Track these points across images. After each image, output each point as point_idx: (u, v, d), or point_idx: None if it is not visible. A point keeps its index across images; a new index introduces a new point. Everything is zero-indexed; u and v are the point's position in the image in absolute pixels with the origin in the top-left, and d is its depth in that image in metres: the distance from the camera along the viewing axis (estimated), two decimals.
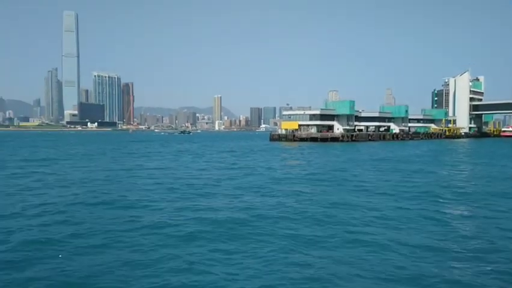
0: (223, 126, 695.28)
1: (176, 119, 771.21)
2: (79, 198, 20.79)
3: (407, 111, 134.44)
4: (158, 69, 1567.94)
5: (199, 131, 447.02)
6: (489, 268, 10.73)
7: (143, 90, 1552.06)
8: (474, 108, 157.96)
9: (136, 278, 9.99)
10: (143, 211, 17.69)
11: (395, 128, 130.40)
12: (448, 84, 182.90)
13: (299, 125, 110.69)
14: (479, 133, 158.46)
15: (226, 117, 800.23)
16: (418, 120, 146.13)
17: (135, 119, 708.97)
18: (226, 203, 19.47)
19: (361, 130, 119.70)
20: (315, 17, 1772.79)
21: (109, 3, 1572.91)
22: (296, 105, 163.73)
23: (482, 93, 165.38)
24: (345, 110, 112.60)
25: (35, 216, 16.63)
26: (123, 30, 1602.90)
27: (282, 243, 12.76)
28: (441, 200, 20.65)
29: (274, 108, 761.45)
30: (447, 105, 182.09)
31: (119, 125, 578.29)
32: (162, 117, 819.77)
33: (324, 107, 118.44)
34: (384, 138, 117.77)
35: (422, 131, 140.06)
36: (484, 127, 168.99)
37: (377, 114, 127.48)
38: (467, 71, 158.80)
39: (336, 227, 14.92)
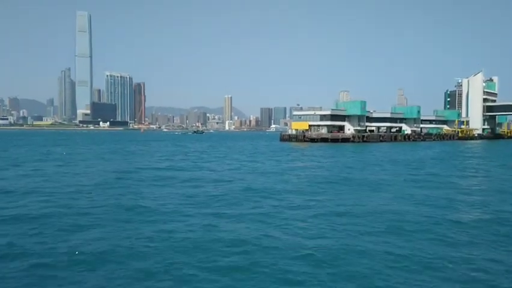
0: (233, 126, 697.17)
1: (187, 119, 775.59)
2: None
3: (419, 112, 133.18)
4: (170, 69, 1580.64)
5: (211, 131, 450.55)
6: None
7: (155, 90, 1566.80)
8: (488, 109, 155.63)
9: None
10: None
11: (406, 129, 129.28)
12: (461, 85, 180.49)
13: (309, 126, 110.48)
14: (492, 134, 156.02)
15: (236, 117, 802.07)
16: (430, 121, 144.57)
17: (146, 119, 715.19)
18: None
19: (372, 131, 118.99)
20: (326, 16, 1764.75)
21: (122, 3, 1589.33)
22: (306, 106, 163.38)
23: (496, 94, 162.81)
24: (356, 111, 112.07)
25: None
26: (136, 30, 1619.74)
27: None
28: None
29: (285, 108, 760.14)
30: (460, 106, 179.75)
31: (130, 125, 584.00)
32: (173, 117, 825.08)
33: (334, 108, 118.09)
34: (395, 139, 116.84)
35: (434, 132, 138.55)
36: (497, 128, 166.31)
37: (388, 115, 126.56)
38: (481, 71, 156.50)
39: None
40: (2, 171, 33.85)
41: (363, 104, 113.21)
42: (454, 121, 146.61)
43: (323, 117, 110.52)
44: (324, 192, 23.78)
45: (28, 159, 46.59)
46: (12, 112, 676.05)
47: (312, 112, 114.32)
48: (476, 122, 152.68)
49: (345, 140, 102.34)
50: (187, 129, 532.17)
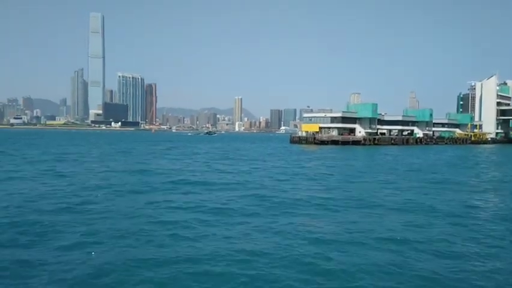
0: (243, 128, 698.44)
1: (197, 120, 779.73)
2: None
3: (431, 115, 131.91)
4: (181, 70, 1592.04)
5: (223, 132, 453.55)
6: None
7: (166, 91, 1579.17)
8: (501, 113, 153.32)
9: None
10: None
11: (418, 132, 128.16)
12: (474, 88, 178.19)
13: (320, 128, 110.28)
14: (506, 139, 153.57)
15: (246, 119, 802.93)
16: (443, 125, 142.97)
17: (157, 119, 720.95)
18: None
19: (383, 134, 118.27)
20: (337, 18, 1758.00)
21: (136, 5, 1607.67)
22: (317, 108, 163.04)
23: (510, 98, 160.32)
24: (367, 113, 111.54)
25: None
26: (148, 31, 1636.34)
27: None
28: None
29: (295, 110, 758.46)
30: (473, 110, 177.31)
31: (141, 125, 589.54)
32: (183, 117, 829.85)
33: (345, 110, 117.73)
34: (407, 142, 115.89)
35: (446, 135, 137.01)
36: (511, 133, 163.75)
37: (400, 118, 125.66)
38: (495, 74, 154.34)
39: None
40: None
41: (375, 106, 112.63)
42: (467, 125, 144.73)
43: (333, 120, 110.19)
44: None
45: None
46: (26, 111, 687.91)
47: (322, 114, 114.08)
48: (489, 126, 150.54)
49: (356, 142, 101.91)
50: (197, 130, 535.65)
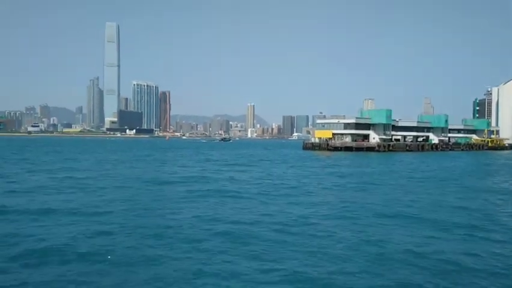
0: (256, 134, 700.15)
1: (210, 127, 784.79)
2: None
3: (446, 121, 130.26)
4: (194, 78, 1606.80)
5: (237, 138, 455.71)
6: None
7: (179, 98, 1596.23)
8: None
9: None
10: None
11: (434, 138, 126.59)
12: (491, 94, 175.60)
13: (333, 134, 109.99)
14: None
15: (258, 125, 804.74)
16: (459, 131, 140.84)
17: (171, 127, 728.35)
18: None
19: (398, 140, 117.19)
20: (349, 23, 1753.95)
21: (149, 14, 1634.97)
22: (330, 114, 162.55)
23: None
24: (381, 119, 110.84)
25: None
26: (161, 40, 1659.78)
27: None
28: None
29: (307, 116, 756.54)
30: (489, 115, 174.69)
31: (155, 132, 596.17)
32: (197, 124, 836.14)
33: (359, 116, 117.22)
34: (422, 148, 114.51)
35: (462, 141, 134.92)
36: None
37: (415, 124, 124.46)
38: None
39: None
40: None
41: (389, 112, 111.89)
42: (483, 130, 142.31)
43: (347, 126, 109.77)
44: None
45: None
46: (43, 119, 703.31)
47: (335, 120, 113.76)
48: (506, 132, 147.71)
49: (370, 149, 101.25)
50: (210, 136, 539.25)
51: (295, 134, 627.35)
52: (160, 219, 18.06)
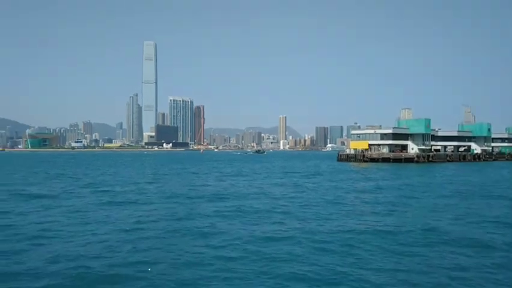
0: (288, 146, 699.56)
1: (242, 139, 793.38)
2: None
3: (489, 129, 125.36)
4: (227, 91, 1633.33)
5: (271, 150, 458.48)
6: None
7: (213, 111, 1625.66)
8: None
9: None
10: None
11: (476, 148, 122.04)
12: None
13: (369, 145, 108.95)
14: None
15: (290, 137, 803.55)
16: (503, 140, 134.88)
17: (205, 140, 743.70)
18: None
19: (438, 150, 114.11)
20: (384, 32, 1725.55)
21: (184, 32, 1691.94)
22: (365, 124, 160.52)
23: None
24: (420, 129, 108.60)
25: None
26: (196, 56, 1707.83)
27: None
28: None
29: (341, 127, 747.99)
30: None
31: (190, 145, 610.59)
32: (229, 137, 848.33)
33: (396, 126, 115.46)
34: (464, 159, 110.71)
35: (507, 151, 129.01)
36: None
37: (455, 133, 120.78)
38: None
39: None
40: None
41: (428, 121, 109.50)
42: None
43: (383, 136, 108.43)
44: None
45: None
46: (85, 135, 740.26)
47: (372, 131, 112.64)
48: None
49: (409, 160, 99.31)
50: (242, 149, 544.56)
51: (329, 145, 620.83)
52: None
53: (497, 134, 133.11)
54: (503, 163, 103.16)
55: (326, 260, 14.46)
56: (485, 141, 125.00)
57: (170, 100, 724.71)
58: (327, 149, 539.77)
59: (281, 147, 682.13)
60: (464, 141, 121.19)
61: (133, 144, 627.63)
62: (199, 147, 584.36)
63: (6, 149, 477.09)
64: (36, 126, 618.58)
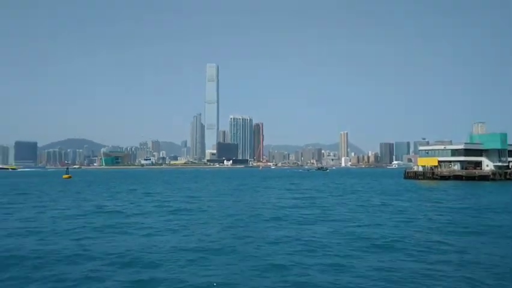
0: (350, 163, 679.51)
1: (301, 156, 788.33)
2: None
3: None
4: (285, 108, 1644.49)
5: (333, 168, 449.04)
6: None
7: (272, 128, 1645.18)
8: None
9: None
10: None
11: None
12: None
13: (439, 162, 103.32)
14: None
15: (353, 153, 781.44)
16: None
17: (264, 156, 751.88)
18: None
19: None
20: (455, 40, 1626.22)
21: (243, 54, 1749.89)
22: (433, 140, 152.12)
23: None
24: (495, 144, 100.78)
25: None
26: (255, 76, 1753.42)
27: None
28: None
29: (408, 143, 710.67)
30: None
31: (250, 162, 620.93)
32: (288, 154, 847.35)
33: (468, 141, 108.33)
34: None
35: None
36: None
37: None
38: None
39: None
40: None
41: (504, 136, 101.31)
42: None
43: (454, 152, 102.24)
44: None
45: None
46: (153, 153, 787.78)
47: (441, 147, 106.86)
48: None
49: (483, 177, 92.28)
50: (302, 166, 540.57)
51: (394, 162, 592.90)
52: None
53: None
54: None
55: None
56: None
57: (231, 118, 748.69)
58: (393, 166, 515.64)
59: (342, 164, 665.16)
60: None
61: (196, 161, 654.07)
62: (258, 163, 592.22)
63: (83, 167, 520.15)
64: (110, 145, 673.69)
